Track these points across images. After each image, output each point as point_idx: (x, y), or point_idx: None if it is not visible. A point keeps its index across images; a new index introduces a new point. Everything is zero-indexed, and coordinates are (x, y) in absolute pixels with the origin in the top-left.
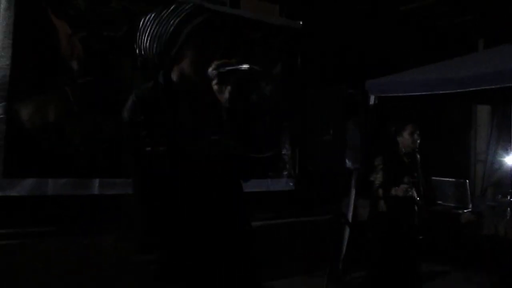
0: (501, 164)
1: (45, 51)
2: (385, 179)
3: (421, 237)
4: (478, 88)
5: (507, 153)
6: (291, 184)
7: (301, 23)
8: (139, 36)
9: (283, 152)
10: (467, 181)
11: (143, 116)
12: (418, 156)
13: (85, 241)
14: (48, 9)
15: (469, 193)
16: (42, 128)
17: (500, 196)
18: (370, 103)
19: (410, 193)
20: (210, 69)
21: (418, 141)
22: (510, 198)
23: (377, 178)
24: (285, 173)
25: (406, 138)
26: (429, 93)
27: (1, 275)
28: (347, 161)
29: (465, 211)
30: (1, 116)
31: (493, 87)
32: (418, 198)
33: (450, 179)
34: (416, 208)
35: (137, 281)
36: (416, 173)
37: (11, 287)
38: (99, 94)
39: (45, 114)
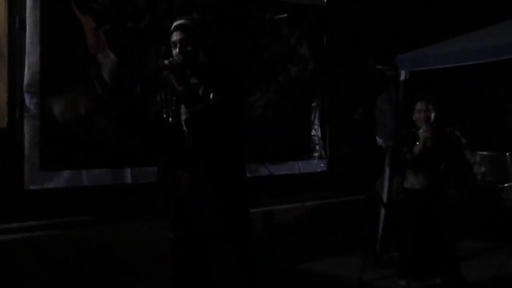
0: None
1: (72, 46)
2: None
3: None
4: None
5: None
6: (322, 165)
7: (325, 0)
8: None
9: (313, 133)
10: (507, 154)
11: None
12: (454, 131)
13: (120, 229)
14: (72, 5)
15: (510, 166)
16: (74, 121)
17: None
18: (401, 78)
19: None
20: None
21: (432, 118)
22: None
23: (403, 153)
24: (316, 154)
25: (416, 116)
26: (465, 64)
27: (43, 264)
28: (378, 139)
29: (506, 185)
30: (35, 112)
31: None
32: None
33: (490, 153)
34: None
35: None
36: (442, 151)
37: (53, 275)
38: (127, 85)
39: (76, 107)
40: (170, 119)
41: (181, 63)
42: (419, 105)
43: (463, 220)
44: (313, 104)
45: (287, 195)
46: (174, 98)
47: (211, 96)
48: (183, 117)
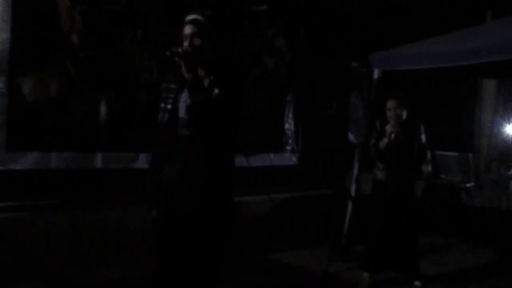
0: (505, 138)
1: (45, 25)
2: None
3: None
4: (485, 61)
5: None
6: (294, 158)
7: None
8: None
9: (286, 127)
10: (470, 154)
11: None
12: (420, 127)
13: (88, 215)
14: None
15: (472, 166)
16: (45, 102)
17: (503, 169)
18: (374, 77)
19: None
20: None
21: (403, 116)
22: None
23: (372, 148)
24: (288, 147)
25: (387, 113)
26: (434, 66)
27: (5, 248)
28: (350, 135)
29: (468, 185)
30: (3, 90)
31: (500, 59)
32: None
33: (453, 153)
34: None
35: (142, 255)
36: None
37: (15, 260)
38: (100, 68)
39: (47, 88)
40: (168, 106)
41: (192, 52)
42: (390, 103)
43: (426, 216)
44: (288, 98)
45: (257, 186)
46: (175, 86)
47: (214, 90)
48: (185, 104)
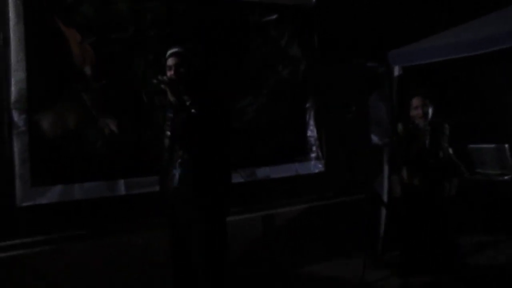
0: None
1: (58, 60)
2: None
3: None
4: None
5: None
6: (320, 166)
7: (314, 0)
8: None
9: (308, 134)
10: (507, 145)
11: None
12: (446, 126)
13: (114, 241)
14: (56, 19)
15: (509, 158)
16: (64, 135)
17: None
18: (395, 74)
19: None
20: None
21: (429, 114)
22: None
23: (399, 151)
24: (313, 155)
25: (413, 112)
26: (458, 56)
27: (39, 281)
28: (373, 137)
29: (506, 177)
30: (23, 128)
31: None
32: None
33: (489, 145)
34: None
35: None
36: (439, 145)
37: None
38: (115, 96)
39: (65, 121)
40: (167, 131)
41: (175, 80)
42: (415, 101)
43: (464, 214)
44: (307, 105)
45: (285, 198)
46: (167, 108)
47: (192, 111)
48: (170, 123)
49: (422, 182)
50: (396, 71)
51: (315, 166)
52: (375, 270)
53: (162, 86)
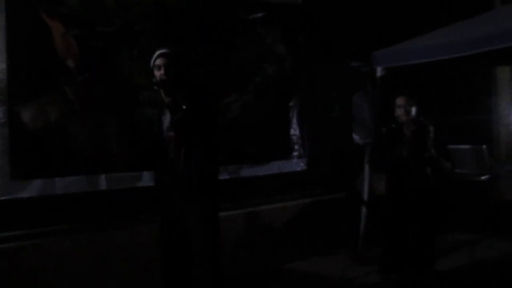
0: None
1: (41, 52)
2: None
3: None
4: (496, 48)
5: None
6: (302, 164)
7: None
8: None
9: (291, 133)
10: (484, 146)
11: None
12: (430, 126)
13: (96, 237)
14: (39, 10)
15: (487, 158)
16: (45, 128)
17: None
18: (377, 75)
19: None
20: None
21: (413, 113)
22: None
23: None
24: (296, 153)
25: (397, 112)
26: (441, 58)
27: (17, 276)
28: (355, 136)
29: (483, 177)
30: (3, 120)
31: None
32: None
33: (467, 146)
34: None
35: (151, 275)
36: (423, 144)
37: (28, 286)
38: (98, 90)
39: (47, 114)
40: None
41: (167, 81)
42: (399, 100)
43: (445, 213)
44: (291, 103)
45: (268, 195)
46: (159, 108)
47: (185, 107)
48: (167, 123)
49: (406, 181)
50: (379, 71)
51: (298, 164)
52: (356, 266)
53: (155, 87)
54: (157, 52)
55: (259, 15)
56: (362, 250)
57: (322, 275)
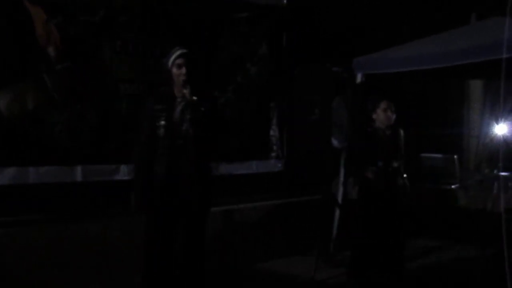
0: (493, 138)
1: (21, 38)
2: (361, 156)
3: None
4: (470, 62)
5: (499, 128)
6: (280, 165)
7: (285, 1)
8: None
9: (270, 133)
10: (455, 156)
11: None
12: (402, 132)
13: (68, 229)
14: None
15: (457, 168)
16: (21, 116)
17: (487, 170)
18: (357, 81)
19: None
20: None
21: (393, 118)
22: (497, 172)
23: (354, 158)
24: (273, 154)
25: (380, 115)
26: (417, 68)
27: None
28: (333, 140)
29: (453, 186)
30: None
31: (485, 60)
32: (403, 175)
33: (439, 155)
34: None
35: (125, 268)
36: (397, 150)
37: None
38: (78, 80)
39: (24, 101)
40: (162, 122)
41: (184, 78)
42: (384, 104)
43: (414, 219)
44: (271, 104)
45: (244, 194)
46: (165, 106)
47: (202, 107)
48: (178, 119)
49: (379, 185)
50: (359, 77)
51: (275, 165)
52: (327, 268)
53: (182, 81)
54: (179, 52)
55: (244, 14)
56: (333, 253)
57: (292, 276)
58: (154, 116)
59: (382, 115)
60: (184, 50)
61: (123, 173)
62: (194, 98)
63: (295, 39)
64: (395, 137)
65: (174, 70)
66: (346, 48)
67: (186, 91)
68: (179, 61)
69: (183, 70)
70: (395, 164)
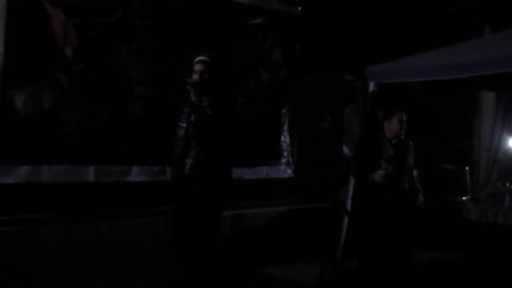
0: (505, 151)
1: (39, 38)
2: (367, 164)
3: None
4: (482, 74)
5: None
6: (290, 171)
7: (300, 8)
8: None
9: (281, 139)
10: (467, 168)
11: None
12: (411, 144)
13: (80, 228)
14: None
15: (468, 180)
16: (37, 115)
17: (499, 183)
18: (370, 89)
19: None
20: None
21: (404, 128)
22: (509, 185)
23: (360, 162)
24: (284, 160)
25: (394, 124)
26: (430, 79)
27: None
28: (344, 148)
29: (464, 198)
30: None
31: (497, 72)
32: (416, 186)
33: (450, 167)
34: (405, 195)
35: (133, 269)
36: (405, 160)
37: (9, 274)
38: (94, 81)
39: (40, 101)
40: (183, 124)
41: (200, 83)
42: (399, 114)
43: (424, 231)
44: (283, 111)
45: (253, 199)
46: (188, 109)
47: (209, 111)
48: (184, 121)
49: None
50: (371, 86)
51: (285, 171)
52: (332, 277)
53: (188, 87)
54: (197, 58)
55: (258, 21)
56: (340, 261)
57: (299, 282)
58: (180, 118)
59: (395, 125)
60: (202, 57)
61: (135, 174)
62: (205, 102)
63: (308, 46)
64: (401, 147)
65: (193, 75)
66: (359, 56)
67: (193, 95)
68: (196, 67)
69: (197, 75)
70: (396, 172)
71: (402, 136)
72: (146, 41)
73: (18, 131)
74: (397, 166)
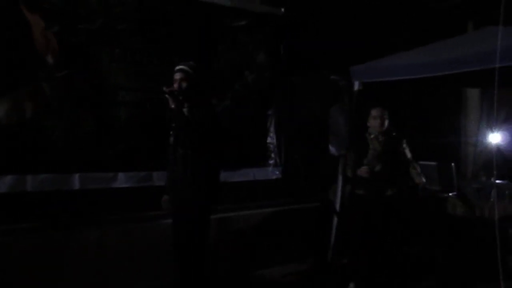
0: (490, 146)
1: (19, 46)
2: (354, 161)
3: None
4: (465, 70)
5: (496, 136)
6: (277, 172)
7: (283, 10)
8: None
9: (268, 141)
10: (453, 164)
11: None
12: (403, 140)
13: (66, 236)
14: (20, 2)
15: (454, 176)
16: (19, 124)
17: (484, 178)
18: (355, 89)
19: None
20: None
21: (385, 125)
22: (495, 180)
23: (348, 159)
24: (271, 161)
25: (371, 122)
26: (415, 77)
27: None
28: (331, 147)
29: (450, 194)
30: None
31: (480, 68)
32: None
33: (436, 163)
34: (392, 192)
35: (121, 276)
36: (398, 156)
37: None
38: (77, 88)
39: (22, 109)
40: (171, 131)
41: (177, 92)
42: (375, 112)
43: (410, 227)
44: (269, 112)
45: (241, 201)
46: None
47: (189, 118)
48: (173, 127)
49: (375, 194)
50: (356, 85)
51: (273, 172)
52: (323, 276)
53: (166, 96)
54: (177, 67)
55: (242, 23)
56: (330, 261)
57: (290, 283)
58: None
59: (372, 122)
60: (181, 66)
61: (121, 180)
62: (185, 108)
63: (293, 47)
64: (391, 143)
65: (174, 84)
66: (343, 56)
67: (171, 102)
68: (175, 75)
69: (176, 84)
70: (380, 168)
71: (394, 133)
72: (129, 46)
73: (1, 140)
74: (388, 163)
